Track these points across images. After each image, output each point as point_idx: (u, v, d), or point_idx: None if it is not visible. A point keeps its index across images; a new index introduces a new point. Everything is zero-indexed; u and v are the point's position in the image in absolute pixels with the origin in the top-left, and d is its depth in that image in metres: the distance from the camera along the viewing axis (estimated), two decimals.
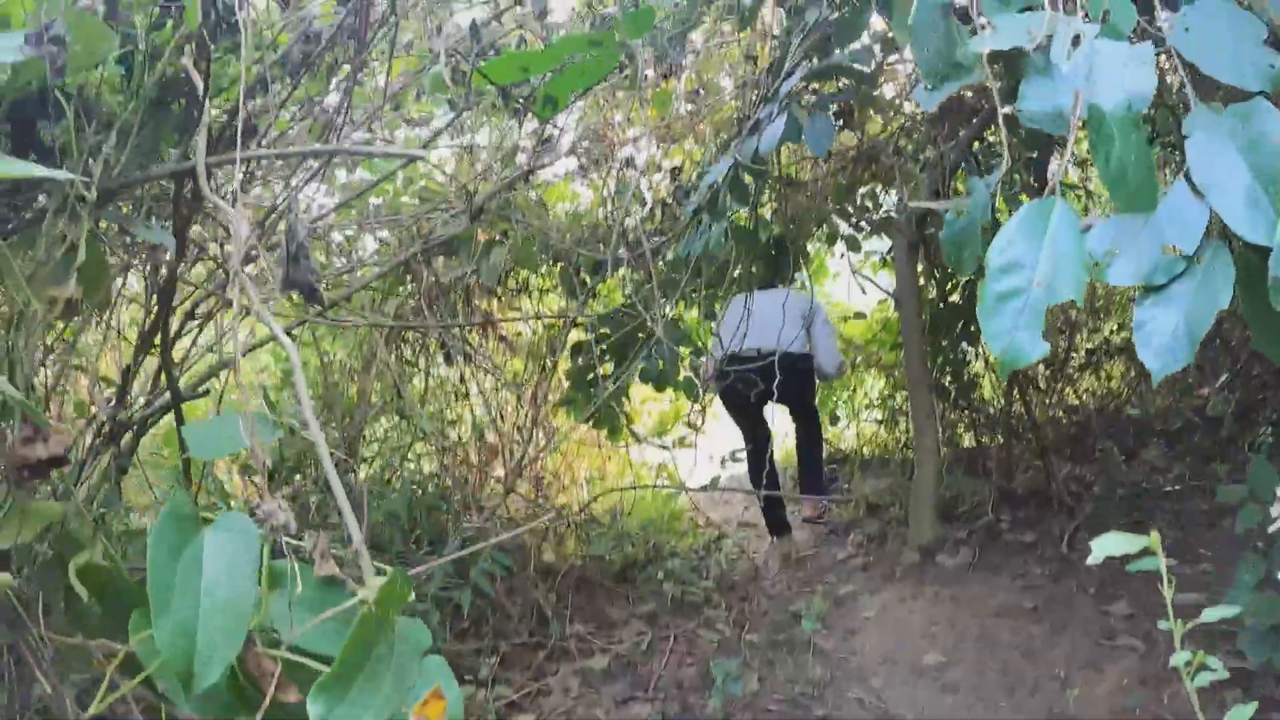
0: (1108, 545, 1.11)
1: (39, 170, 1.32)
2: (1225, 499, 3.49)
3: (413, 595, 1.33)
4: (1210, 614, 3.10)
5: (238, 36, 2.08)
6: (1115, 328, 7.52)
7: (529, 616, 4.65)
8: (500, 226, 5.42)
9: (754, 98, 4.60)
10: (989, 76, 2.08)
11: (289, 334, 3.93)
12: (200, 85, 1.81)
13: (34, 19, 1.73)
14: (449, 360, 5.60)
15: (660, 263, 5.41)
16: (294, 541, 1.20)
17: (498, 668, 4.16)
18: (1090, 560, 1.15)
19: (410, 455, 5.79)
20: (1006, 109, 1.97)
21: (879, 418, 8.23)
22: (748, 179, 4.19)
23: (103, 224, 2.11)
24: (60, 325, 2.82)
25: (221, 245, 3.66)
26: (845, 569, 5.63)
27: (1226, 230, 1.58)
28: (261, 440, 1.42)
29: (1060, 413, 7.27)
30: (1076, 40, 1.67)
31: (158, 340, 2.58)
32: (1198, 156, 1.61)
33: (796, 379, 5.72)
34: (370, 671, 1.08)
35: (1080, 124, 1.69)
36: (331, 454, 1.33)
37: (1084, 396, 7.64)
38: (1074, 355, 7.22)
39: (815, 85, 4.58)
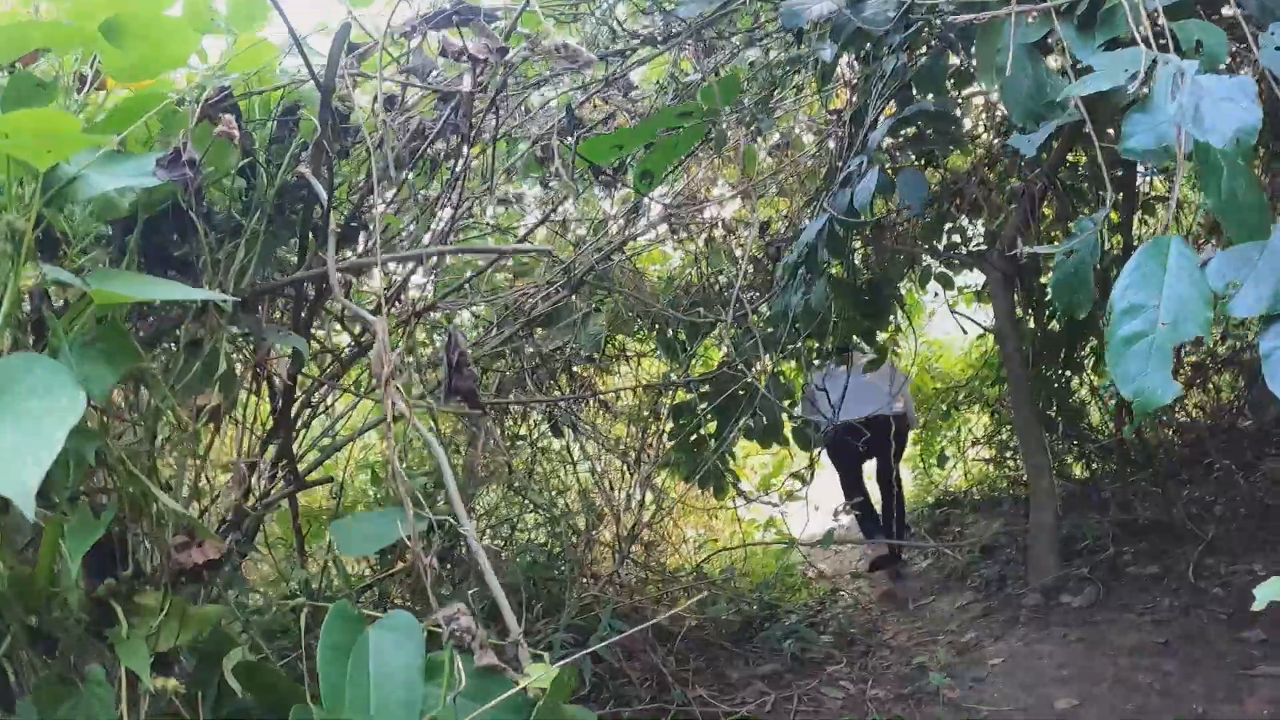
0: (1273, 591, 1.09)
1: (188, 291, 1.39)
2: None
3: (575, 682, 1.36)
4: None
5: (348, 141, 2.17)
6: (1219, 338, 7.31)
7: (649, 681, 4.63)
8: (596, 298, 5.50)
9: (838, 148, 4.62)
10: (1084, 116, 2.09)
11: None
12: (323, 193, 1.89)
13: (161, 141, 1.82)
14: (557, 433, 5.66)
15: (756, 318, 5.43)
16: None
17: None
18: (1255, 606, 1.13)
19: (520, 526, 5.84)
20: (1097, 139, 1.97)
21: (987, 456, 8.08)
22: (841, 232, 4.21)
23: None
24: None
25: (329, 334, 3.78)
26: (966, 616, 5.52)
27: None
28: (413, 534, 1.47)
29: (1171, 432, 7.08)
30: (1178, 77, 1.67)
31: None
32: None
33: (897, 436, 6.44)
34: None
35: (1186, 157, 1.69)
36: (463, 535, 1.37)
37: (1194, 413, 7.43)
38: (1181, 370, 7.03)
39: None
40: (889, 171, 3.69)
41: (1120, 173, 4.90)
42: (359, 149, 2.46)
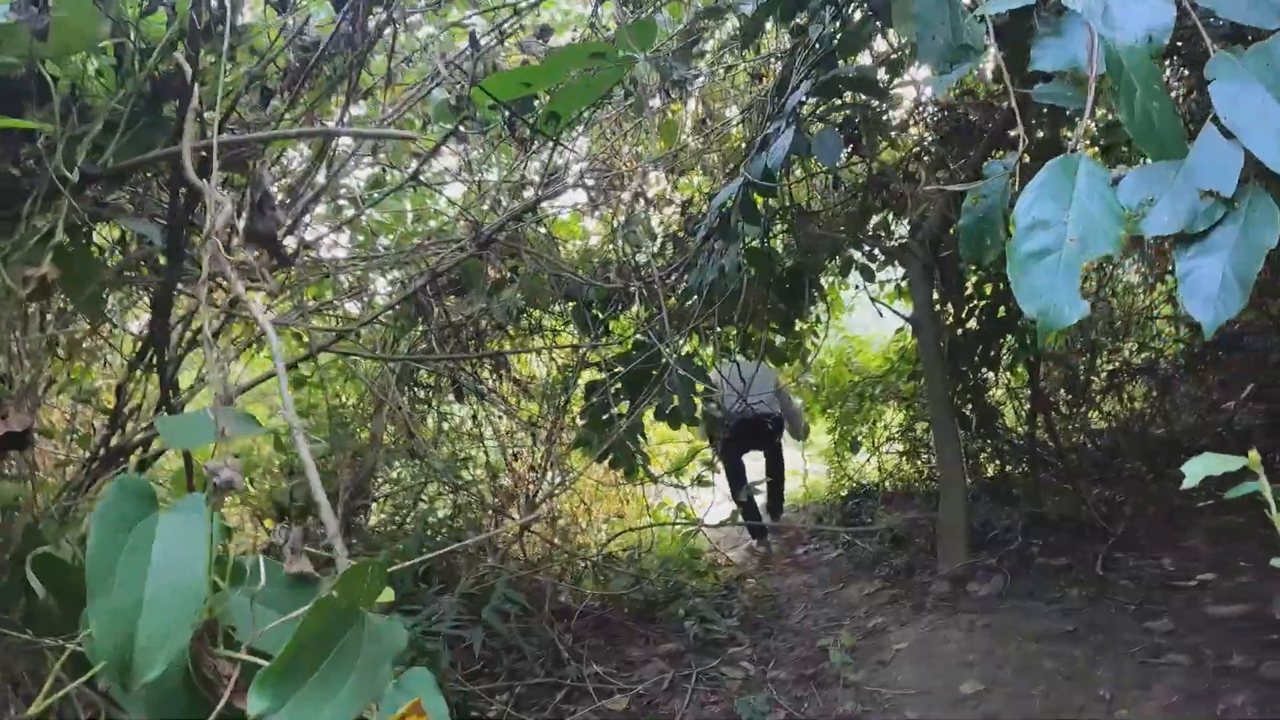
0: (1203, 466, 0.99)
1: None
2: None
3: (391, 595, 1.21)
4: None
5: (233, 38, 2.02)
6: (1135, 348, 7.38)
7: (545, 657, 4.50)
8: (510, 264, 5.34)
9: (761, 120, 4.52)
10: (996, 51, 2.00)
11: (292, 367, 3.83)
12: (189, 71, 1.73)
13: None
14: (459, 397, 5.49)
15: (673, 299, 5.33)
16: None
17: (511, 709, 3.99)
18: (1185, 485, 1.03)
19: (424, 497, 5.68)
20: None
21: (900, 449, 8.06)
22: (758, 200, 4.10)
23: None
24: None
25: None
26: (873, 603, 5.45)
27: (1262, 173, 1.48)
28: (238, 433, 1.32)
29: (1083, 437, 7.12)
30: None
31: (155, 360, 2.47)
32: (1224, 100, 1.50)
33: (776, 432, 7.69)
34: (329, 670, 0.94)
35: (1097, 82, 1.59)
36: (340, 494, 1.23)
37: (1107, 420, 7.49)
38: (1095, 379, 7.07)
39: (823, 106, 4.51)
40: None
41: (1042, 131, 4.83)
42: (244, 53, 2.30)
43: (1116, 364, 7.13)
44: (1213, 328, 1.43)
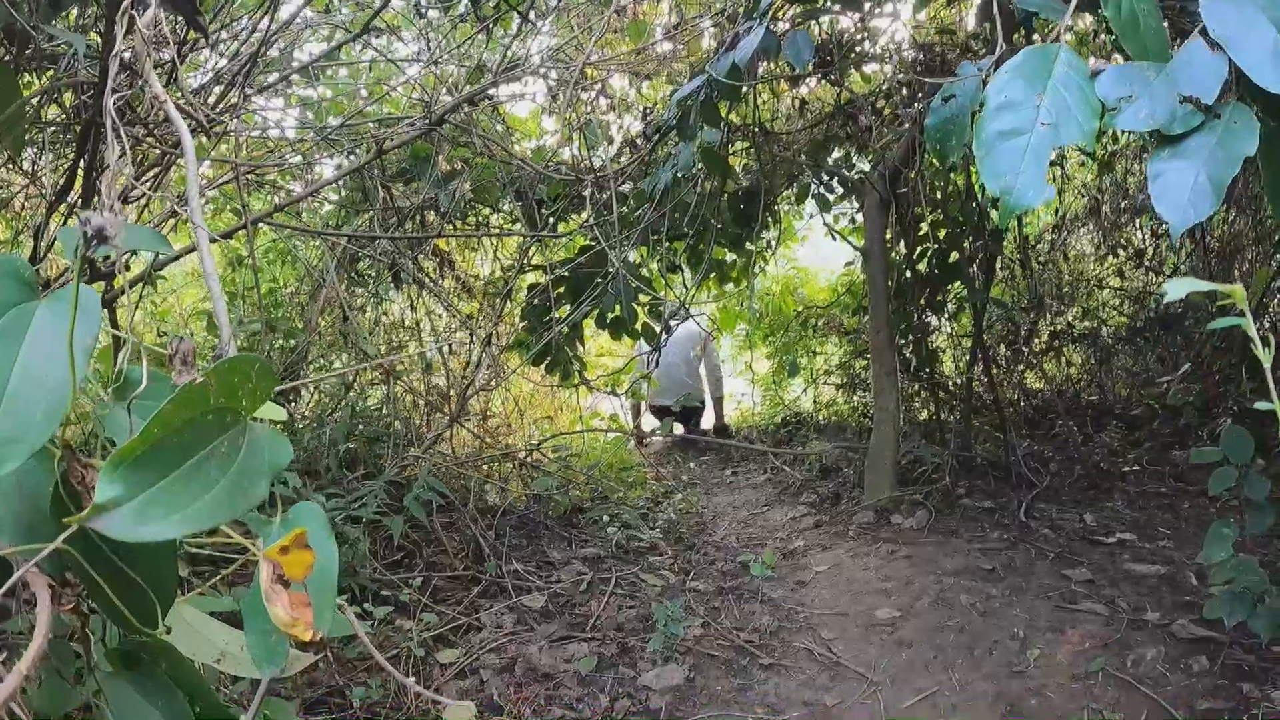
0: (1181, 288, 0.93)
1: None
2: (1200, 459, 3.34)
3: (282, 413, 1.13)
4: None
5: None
6: (1079, 314, 7.43)
7: (466, 552, 4.45)
8: (460, 152, 5.20)
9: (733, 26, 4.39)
10: None
11: (226, 237, 3.69)
12: None
13: None
14: (397, 282, 5.37)
15: (624, 207, 5.22)
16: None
17: (428, 600, 3.94)
18: (1166, 300, 0.97)
19: (357, 387, 5.57)
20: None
21: (837, 383, 8.08)
22: (721, 107, 3.99)
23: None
24: None
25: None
26: (797, 526, 5.47)
27: (1245, 92, 1.42)
28: (136, 244, 1.22)
29: (1019, 394, 7.18)
30: None
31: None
32: (1214, 13, 1.43)
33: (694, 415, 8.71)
34: (195, 470, 0.85)
35: None
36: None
37: (1042, 381, 7.56)
38: (1036, 338, 7.11)
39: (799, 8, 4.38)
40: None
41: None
42: None
43: (1059, 327, 7.16)
44: (1180, 229, 1.38)
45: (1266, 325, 6.87)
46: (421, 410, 5.41)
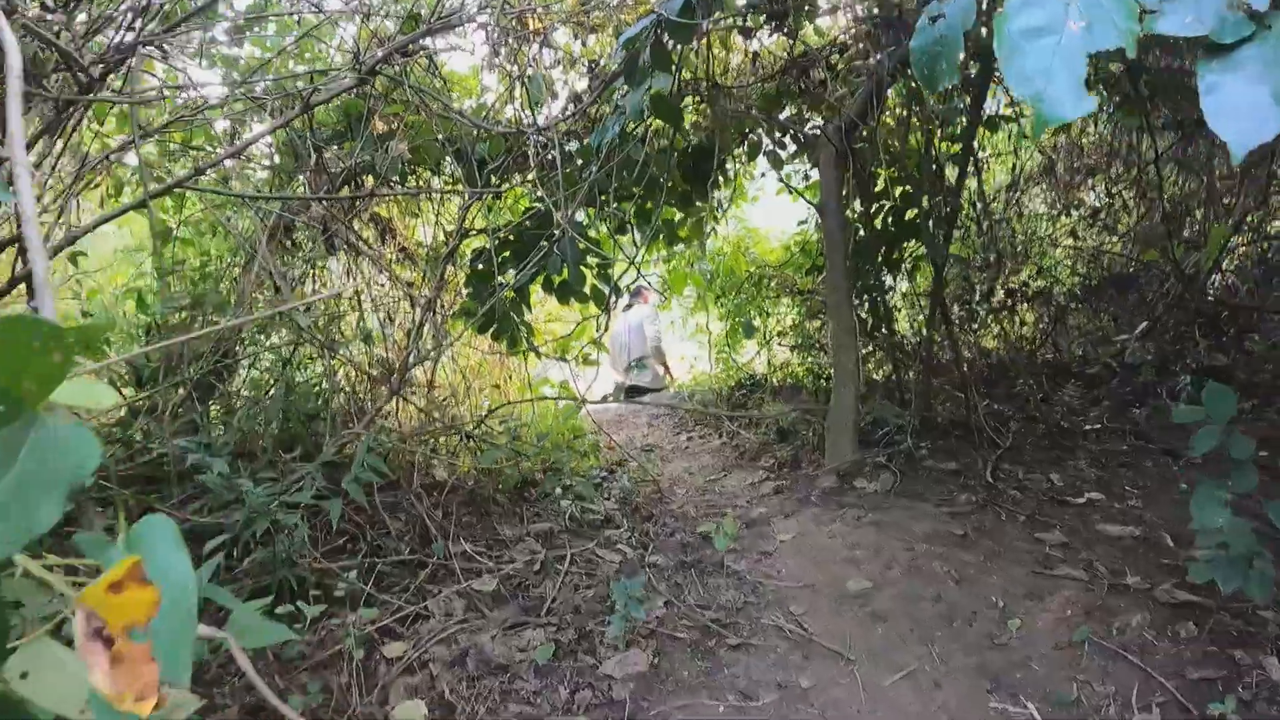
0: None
1: None
2: (1182, 419, 3.17)
3: (112, 398, 0.87)
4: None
5: None
6: (1034, 272, 7.30)
7: (412, 534, 4.19)
8: (395, 109, 4.91)
9: None
10: None
11: (149, 201, 3.39)
12: None
13: None
14: (330, 248, 5.07)
15: (570, 168, 4.96)
16: None
17: (372, 588, 3.67)
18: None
19: (295, 361, 5.26)
20: None
21: (791, 344, 7.90)
22: (672, 56, 3.74)
23: None
24: None
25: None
26: (756, 493, 5.28)
27: None
28: None
29: (975, 353, 7.05)
30: None
31: None
32: None
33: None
34: None
35: None
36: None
37: (998, 340, 7.45)
38: (994, 296, 6.98)
39: None
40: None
41: None
42: None
43: (1015, 285, 7.04)
44: (1242, 151, 1.18)
45: (1222, 282, 6.82)
46: (364, 384, 5.12)
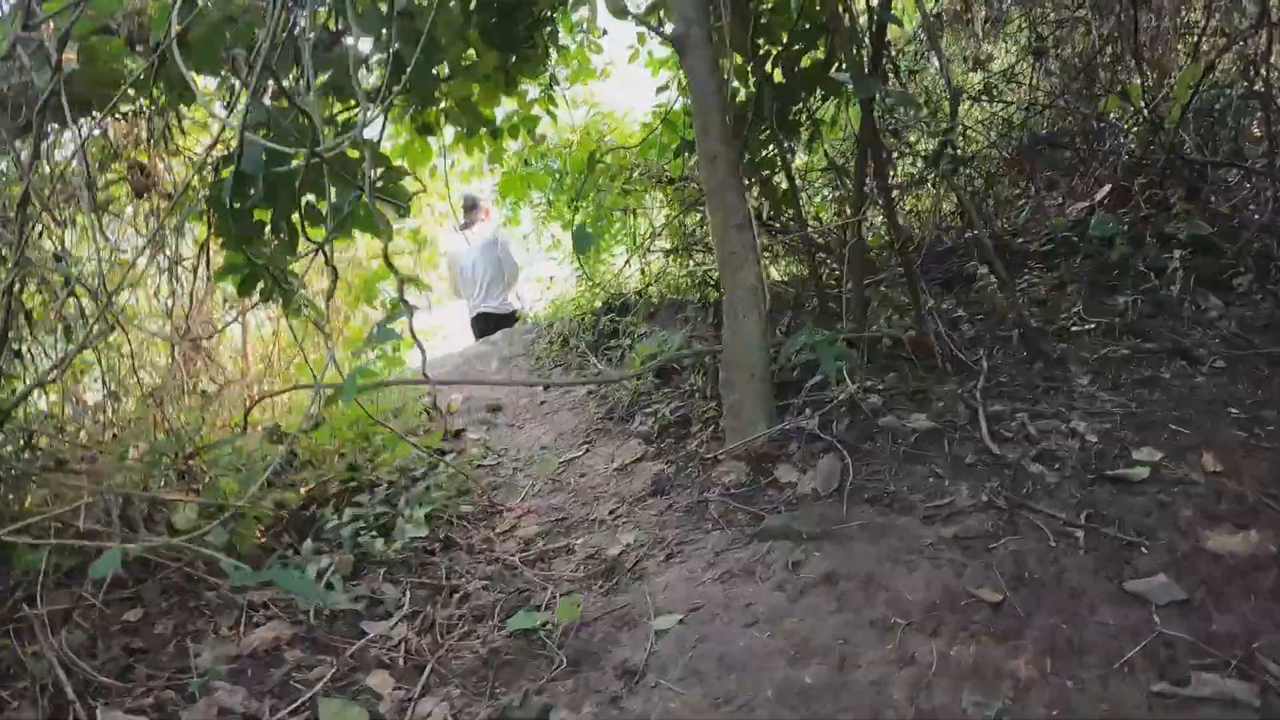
0: None
1: None
2: None
3: None
4: None
5: None
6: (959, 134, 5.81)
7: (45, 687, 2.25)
8: None
9: None
10: None
11: None
12: None
13: None
14: None
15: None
16: None
17: None
18: None
19: None
20: None
21: (667, 247, 6.04)
22: None
23: None
24: None
25: None
26: (628, 490, 3.50)
27: None
28: None
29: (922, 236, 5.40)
30: None
31: None
32: None
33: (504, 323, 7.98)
34: None
35: None
36: None
37: (915, 220, 6.04)
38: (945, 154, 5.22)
39: None
40: None
41: None
42: None
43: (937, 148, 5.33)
44: None
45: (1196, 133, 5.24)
46: None
